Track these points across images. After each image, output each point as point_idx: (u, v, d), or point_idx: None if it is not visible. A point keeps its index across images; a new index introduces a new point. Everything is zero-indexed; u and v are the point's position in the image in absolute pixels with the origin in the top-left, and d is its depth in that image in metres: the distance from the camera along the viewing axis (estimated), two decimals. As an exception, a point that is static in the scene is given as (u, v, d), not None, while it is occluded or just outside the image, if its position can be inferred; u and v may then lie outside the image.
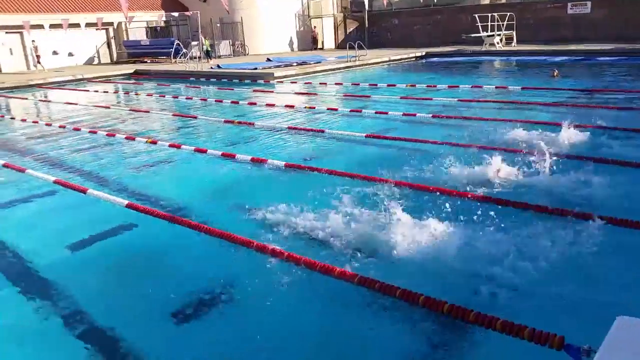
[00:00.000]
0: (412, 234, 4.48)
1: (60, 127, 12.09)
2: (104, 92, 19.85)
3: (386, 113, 11.24)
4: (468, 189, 5.80)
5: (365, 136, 9.04)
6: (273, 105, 13.65)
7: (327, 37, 35.16)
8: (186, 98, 16.49)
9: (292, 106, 13.35)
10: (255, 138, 9.82)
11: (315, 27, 34.70)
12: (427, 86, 15.28)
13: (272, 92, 17.06)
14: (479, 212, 4.79)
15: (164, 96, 17.10)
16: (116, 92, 20.45)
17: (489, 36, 25.59)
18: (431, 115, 10.62)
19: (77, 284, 4.39)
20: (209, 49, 28.93)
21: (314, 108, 12.87)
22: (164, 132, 11.15)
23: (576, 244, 4.34)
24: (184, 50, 26.03)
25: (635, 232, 4.57)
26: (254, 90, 17.42)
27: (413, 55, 26.08)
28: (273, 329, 3.58)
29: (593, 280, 3.97)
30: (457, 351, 3.30)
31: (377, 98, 13.83)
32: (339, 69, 22.13)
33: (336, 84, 17.83)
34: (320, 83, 18.24)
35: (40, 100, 18.96)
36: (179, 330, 3.64)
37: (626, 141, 7.77)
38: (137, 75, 24.96)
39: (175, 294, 4.09)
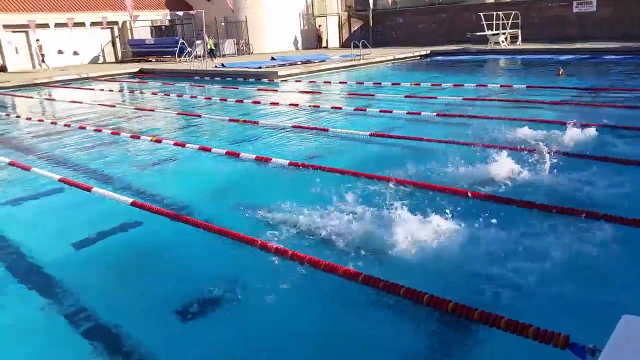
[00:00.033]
0: (416, 232, 4.47)
1: (65, 125, 12.14)
2: (109, 90, 19.90)
3: (390, 112, 11.22)
4: (473, 187, 5.78)
5: (370, 135, 9.03)
6: (277, 103, 13.65)
7: (332, 35, 35.13)
8: (191, 97, 16.51)
9: (296, 105, 13.35)
10: (260, 136, 9.82)
11: (320, 25, 34.66)
12: (432, 85, 15.24)
13: (277, 90, 17.06)
14: (483, 211, 4.77)
15: (169, 95, 17.13)
16: (121, 90, 20.52)
17: (493, 35, 25.49)
18: (436, 114, 10.59)
19: (82, 282, 4.41)
20: (213, 47, 28.94)
21: (318, 107, 12.86)
22: (168, 131, 11.17)
23: (581, 243, 4.32)
24: (189, 49, 26.07)
25: (641, 231, 4.54)
26: (258, 89, 17.43)
27: (418, 53, 26.01)
28: (277, 328, 3.58)
29: (598, 279, 3.95)
30: (461, 350, 3.29)
31: (381, 97, 13.81)
32: (344, 67, 22.11)
33: (340, 82, 17.81)
34: (324, 82, 18.22)
35: (45, 99, 19.03)
36: (183, 328, 3.65)
37: (631, 139, 7.73)
38: (142, 74, 25.01)
39: (179, 291, 4.10)
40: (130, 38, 32.36)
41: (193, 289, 4.13)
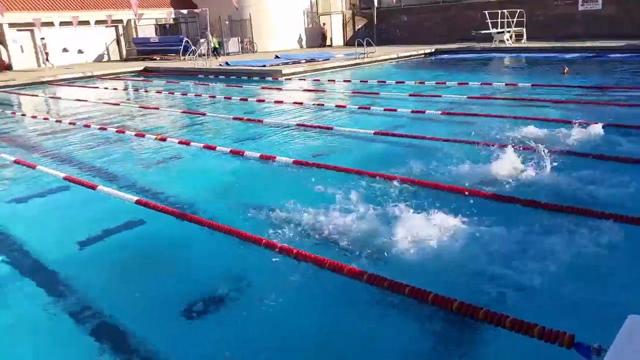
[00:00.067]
0: (421, 231, 4.46)
1: (70, 123, 12.18)
2: (114, 89, 19.95)
3: (395, 110, 11.20)
4: (476, 186, 5.76)
5: (374, 133, 9.02)
6: (281, 102, 13.65)
7: (336, 34, 35.09)
8: (195, 95, 16.53)
9: (300, 103, 13.34)
10: (264, 135, 9.82)
11: (324, 24, 34.63)
12: (436, 83, 15.21)
13: (281, 89, 17.06)
14: (488, 210, 4.76)
15: (173, 93, 17.16)
16: (125, 89, 20.57)
17: (498, 33, 25.41)
18: (440, 112, 10.57)
19: (86, 280, 4.43)
20: (217, 46, 28.96)
21: (322, 105, 12.85)
22: (173, 129, 11.19)
23: (586, 242, 4.30)
24: (193, 47, 26.10)
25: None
26: (262, 88, 17.43)
27: (422, 52, 25.94)
28: (282, 327, 3.58)
29: (603, 278, 3.94)
30: (466, 349, 3.28)
31: (385, 95, 13.78)
32: (348, 66, 22.08)
33: (344, 81, 17.79)
34: (328, 80, 18.21)
35: (50, 97, 19.09)
36: (186, 327, 3.66)
37: (636, 138, 7.69)
38: (146, 72, 25.05)
39: (183, 290, 4.11)
40: (134, 36, 32.45)
41: (197, 287, 4.14)
